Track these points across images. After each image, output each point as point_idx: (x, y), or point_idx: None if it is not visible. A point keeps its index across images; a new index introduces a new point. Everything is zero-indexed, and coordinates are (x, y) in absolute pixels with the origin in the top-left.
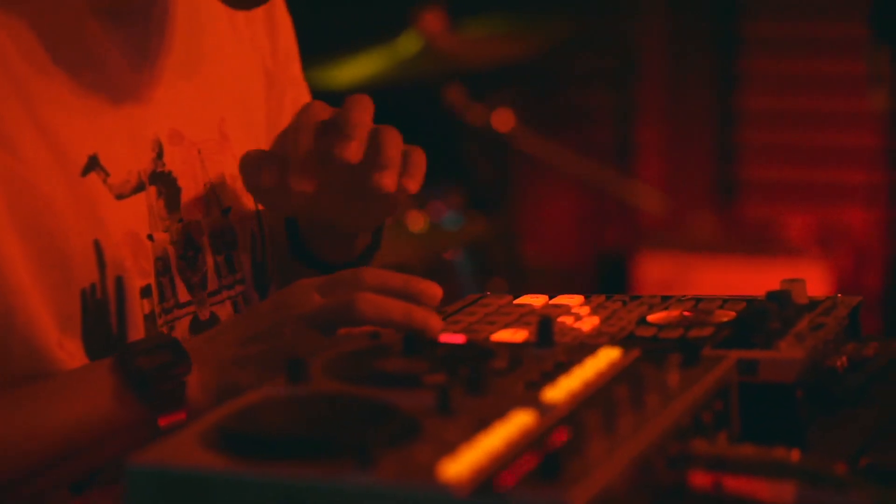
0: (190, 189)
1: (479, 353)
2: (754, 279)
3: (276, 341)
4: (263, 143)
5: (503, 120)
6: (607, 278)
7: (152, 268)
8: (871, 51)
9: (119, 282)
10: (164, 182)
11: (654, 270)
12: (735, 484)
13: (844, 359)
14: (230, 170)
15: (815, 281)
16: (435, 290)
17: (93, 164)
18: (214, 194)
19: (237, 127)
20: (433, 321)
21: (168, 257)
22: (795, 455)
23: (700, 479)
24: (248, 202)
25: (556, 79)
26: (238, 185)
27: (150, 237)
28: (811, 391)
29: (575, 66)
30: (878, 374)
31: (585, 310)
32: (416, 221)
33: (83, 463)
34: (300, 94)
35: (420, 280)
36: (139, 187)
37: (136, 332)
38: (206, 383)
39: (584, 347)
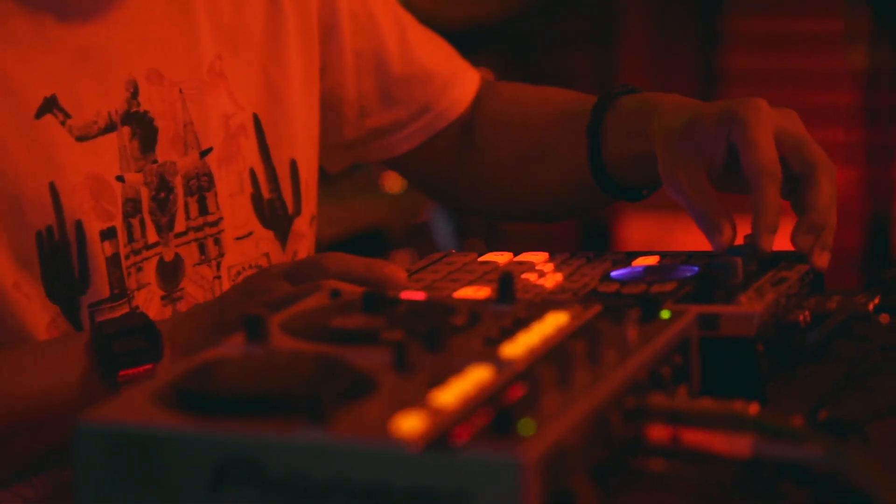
0: (168, 129)
1: (438, 309)
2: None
3: (253, 299)
4: (259, 74)
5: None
6: (589, 239)
7: (119, 210)
8: (849, 8)
9: (79, 225)
10: (138, 122)
11: (637, 230)
12: (692, 437)
13: (807, 313)
14: (220, 109)
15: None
16: (398, 275)
17: (49, 106)
18: (194, 135)
19: (234, 62)
20: (391, 269)
21: (140, 199)
22: (753, 408)
23: (657, 433)
24: (243, 143)
25: (536, 40)
26: (230, 124)
27: (119, 178)
28: (772, 346)
29: (555, 27)
30: (840, 328)
31: (549, 266)
32: (393, 182)
33: (42, 438)
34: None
35: (384, 265)
36: (108, 128)
37: (99, 275)
38: (175, 363)
39: (544, 304)
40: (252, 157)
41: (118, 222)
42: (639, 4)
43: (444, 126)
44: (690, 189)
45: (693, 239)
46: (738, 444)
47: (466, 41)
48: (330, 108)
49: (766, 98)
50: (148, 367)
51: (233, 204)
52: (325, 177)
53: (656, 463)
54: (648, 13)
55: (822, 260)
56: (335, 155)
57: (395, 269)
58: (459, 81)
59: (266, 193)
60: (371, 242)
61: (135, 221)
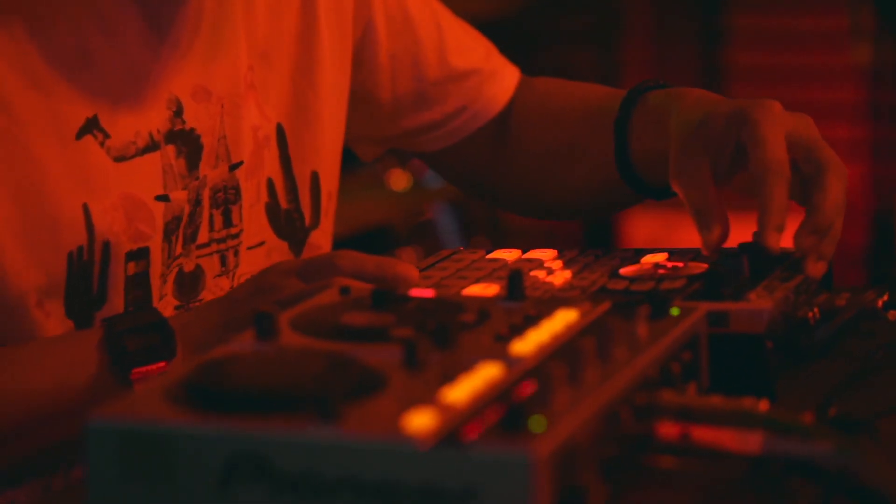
0: (209, 145)
1: (447, 307)
2: (741, 235)
3: (265, 297)
4: (288, 85)
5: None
6: (594, 236)
7: (157, 229)
8: (854, 5)
9: (106, 246)
10: (184, 140)
11: (642, 228)
12: (702, 434)
13: (816, 310)
14: (250, 121)
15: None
16: (411, 274)
17: (90, 127)
18: (226, 148)
19: (264, 73)
20: (402, 268)
21: (182, 215)
22: (763, 405)
23: (667, 430)
24: (265, 154)
25: (539, 36)
26: (258, 136)
27: (162, 198)
28: (782, 342)
29: (559, 24)
30: (849, 325)
31: (558, 264)
32: (399, 180)
33: (55, 432)
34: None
35: (396, 263)
36: (149, 148)
37: (116, 292)
38: (187, 360)
39: (554, 300)
40: (272, 167)
41: (155, 242)
42: (642, 1)
43: (481, 125)
44: (691, 185)
45: (697, 235)
46: (747, 441)
47: None
48: (364, 107)
49: (770, 95)
50: (161, 364)
51: (250, 214)
52: None
53: (666, 460)
54: (652, 9)
55: (816, 270)
56: (369, 145)
57: (407, 267)
58: (498, 79)
59: (284, 204)
60: (376, 240)
61: (174, 238)
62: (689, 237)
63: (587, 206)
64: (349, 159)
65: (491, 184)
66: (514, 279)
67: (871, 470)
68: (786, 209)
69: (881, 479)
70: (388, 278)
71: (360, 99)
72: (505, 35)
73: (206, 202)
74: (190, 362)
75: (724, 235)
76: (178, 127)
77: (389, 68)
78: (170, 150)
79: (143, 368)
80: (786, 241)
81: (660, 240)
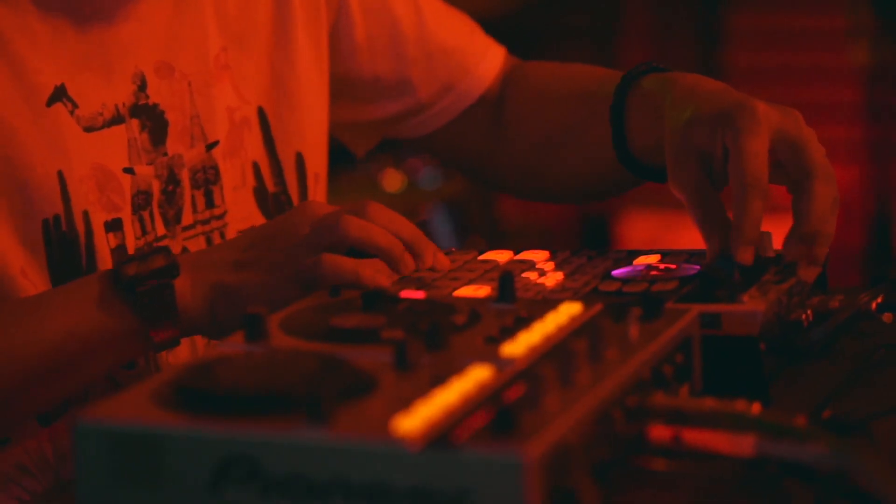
0: (177, 122)
1: (438, 308)
2: None
3: (277, 244)
4: (266, 67)
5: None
6: (589, 237)
7: (127, 201)
8: (852, 5)
9: (86, 216)
10: (148, 115)
11: (637, 228)
12: (694, 437)
13: (810, 312)
14: (224, 101)
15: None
16: (446, 265)
17: (59, 95)
18: (200, 128)
19: (239, 55)
20: (408, 258)
21: (151, 191)
22: (756, 407)
23: (659, 432)
24: (246, 136)
25: (536, 34)
26: (234, 117)
27: (128, 170)
28: (776, 344)
29: (556, 22)
30: (843, 326)
31: (550, 265)
32: (393, 181)
33: (74, 377)
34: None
35: (436, 250)
36: (115, 120)
37: (104, 265)
38: (197, 289)
39: (545, 302)
40: (256, 150)
41: (125, 214)
42: (640, 0)
43: (469, 104)
44: (690, 189)
45: (694, 237)
46: (740, 444)
47: None
48: (347, 90)
49: (768, 95)
50: (174, 329)
51: (236, 197)
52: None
53: (658, 462)
54: (649, 8)
55: (808, 274)
56: (362, 134)
57: (411, 261)
58: (482, 58)
59: (271, 187)
60: None
61: (146, 214)
62: (687, 238)
63: (586, 188)
64: (343, 160)
65: (488, 167)
66: (506, 281)
67: (865, 472)
68: (759, 224)
69: (875, 480)
70: (393, 259)
71: (342, 82)
72: (503, 33)
73: (186, 183)
74: (177, 365)
75: (725, 240)
76: (143, 101)
77: (367, 48)
78: (134, 123)
79: (163, 332)
80: (778, 243)
81: (657, 240)
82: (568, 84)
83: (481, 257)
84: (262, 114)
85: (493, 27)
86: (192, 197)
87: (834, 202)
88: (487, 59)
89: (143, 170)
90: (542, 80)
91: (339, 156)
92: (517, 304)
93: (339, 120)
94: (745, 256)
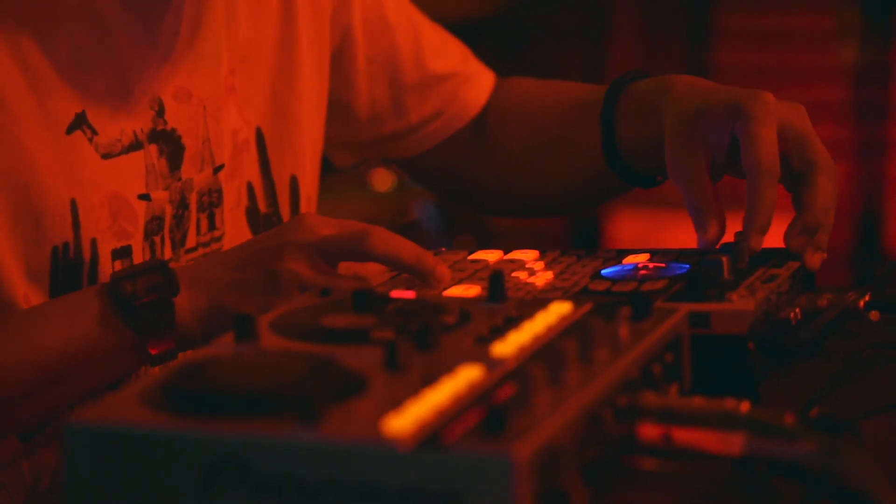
0: (192, 147)
1: (428, 308)
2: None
3: (274, 265)
4: (267, 89)
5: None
6: (580, 237)
7: (139, 228)
8: (840, 4)
9: (94, 244)
10: (166, 140)
11: (628, 228)
12: (684, 436)
13: (798, 310)
14: (231, 124)
15: None
16: (446, 278)
17: (79, 122)
18: (209, 151)
19: (245, 77)
20: (441, 269)
21: (164, 216)
22: (745, 406)
23: (649, 431)
24: (245, 157)
25: (526, 35)
26: (237, 139)
27: (144, 197)
28: (764, 343)
29: (546, 22)
30: (832, 325)
31: (540, 265)
32: (383, 180)
33: (68, 391)
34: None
35: (436, 261)
36: (133, 146)
37: None
38: (195, 305)
39: (535, 302)
40: (252, 171)
41: (136, 241)
42: (629, 0)
43: (457, 129)
44: (689, 180)
45: (684, 236)
46: (729, 443)
47: (457, 36)
48: (342, 111)
49: None
50: (170, 343)
51: (232, 218)
52: None
53: (648, 461)
54: (639, 9)
55: (814, 261)
56: (345, 152)
57: (445, 270)
58: (473, 83)
59: (263, 208)
60: None
61: (157, 239)
62: (675, 237)
63: (571, 199)
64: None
65: (469, 187)
66: (495, 280)
67: (853, 470)
68: (772, 210)
69: (864, 479)
70: (425, 273)
71: (339, 104)
72: (493, 33)
73: (193, 206)
74: (167, 366)
75: (721, 233)
76: (161, 127)
77: (367, 73)
78: (152, 149)
79: (160, 346)
80: (770, 241)
81: (646, 240)
82: (549, 96)
83: (471, 257)
84: (259, 135)
85: (482, 28)
86: (198, 220)
87: (835, 195)
88: (478, 84)
89: (159, 195)
90: (523, 95)
91: (327, 156)
92: (507, 304)
93: (329, 140)
94: (756, 244)
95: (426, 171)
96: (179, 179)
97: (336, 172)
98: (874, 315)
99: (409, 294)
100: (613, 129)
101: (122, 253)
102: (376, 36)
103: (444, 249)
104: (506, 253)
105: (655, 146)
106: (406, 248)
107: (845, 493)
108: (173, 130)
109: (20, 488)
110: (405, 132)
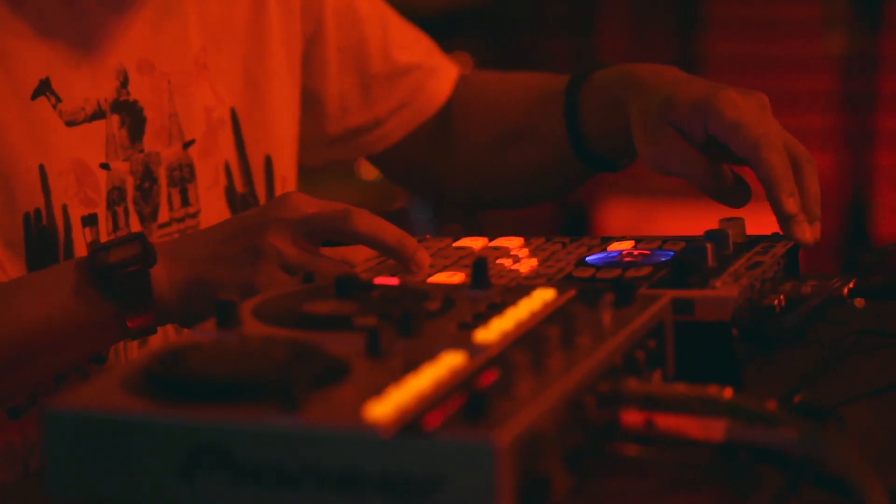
0: (155, 120)
1: (411, 294)
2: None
3: (257, 240)
4: (240, 69)
5: (461, 65)
6: (567, 225)
7: (102, 197)
8: None
9: (65, 210)
10: (128, 111)
11: (615, 216)
12: (667, 422)
13: (782, 297)
14: (203, 101)
15: (773, 225)
16: (426, 263)
17: (43, 88)
18: (178, 126)
19: (216, 55)
20: (422, 255)
21: (125, 187)
22: (727, 393)
23: (631, 418)
24: (220, 136)
25: (515, 25)
26: (212, 117)
27: (104, 166)
28: (748, 330)
29: (534, 12)
30: (816, 312)
31: (524, 252)
32: (370, 168)
33: (48, 365)
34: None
35: (417, 247)
36: (96, 115)
37: None
38: (174, 277)
39: (519, 289)
40: (228, 150)
41: (100, 209)
42: None
43: (422, 121)
44: (685, 164)
45: (670, 224)
46: (712, 429)
47: (446, 26)
48: (312, 104)
49: (745, 83)
50: (149, 316)
51: (209, 197)
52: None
53: (631, 448)
54: None
55: (811, 233)
56: (315, 152)
57: (426, 256)
58: (437, 76)
59: (240, 188)
60: None
61: (119, 210)
62: (664, 225)
63: (539, 189)
64: None
65: (439, 181)
66: (479, 267)
67: (835, 457)
68: (791, 176)
69: (846, 465)
70: (406, 256)
71: (309, 97)
72: (483, 23)
73: (163, 181)
74: (147, 352)
75: (749, 191)
76: (124, 98)
77: (337, 62)
78: (114, 119)
79: (139, 319)
80: (753, 229)
81: (634, 228)
82: (513, 87)
83: (456, 244)
84: (234, 114)
85: (473, 18)
86: (169, 195)
87: (796, 165)
88: (442, 77)
89: (119, 165)
90: (488, 86)
91: None
92: (491, 291)
93: (300, 137)
94: (791, 206)
95: (395, 166)
96: (141, 151)
97: None
98: (859, 302)
99: (393, 281)
100: (577, 121)
101: (90, 220)
102: (347, 26)
103: (429, 236)
104: (491, 240)
105: (622, 136)
106: (389, 230)
107: (828, 480)
108: (135, 102)
109: (13, 462)
110: (372, 125)
